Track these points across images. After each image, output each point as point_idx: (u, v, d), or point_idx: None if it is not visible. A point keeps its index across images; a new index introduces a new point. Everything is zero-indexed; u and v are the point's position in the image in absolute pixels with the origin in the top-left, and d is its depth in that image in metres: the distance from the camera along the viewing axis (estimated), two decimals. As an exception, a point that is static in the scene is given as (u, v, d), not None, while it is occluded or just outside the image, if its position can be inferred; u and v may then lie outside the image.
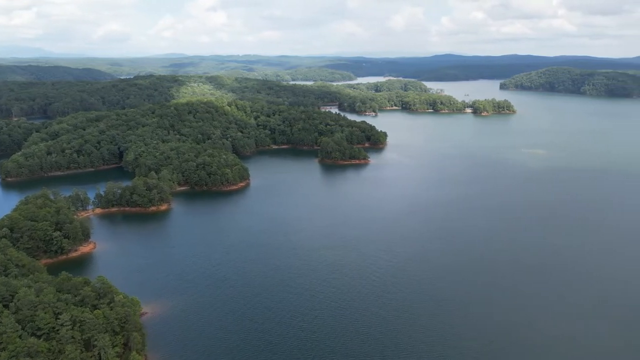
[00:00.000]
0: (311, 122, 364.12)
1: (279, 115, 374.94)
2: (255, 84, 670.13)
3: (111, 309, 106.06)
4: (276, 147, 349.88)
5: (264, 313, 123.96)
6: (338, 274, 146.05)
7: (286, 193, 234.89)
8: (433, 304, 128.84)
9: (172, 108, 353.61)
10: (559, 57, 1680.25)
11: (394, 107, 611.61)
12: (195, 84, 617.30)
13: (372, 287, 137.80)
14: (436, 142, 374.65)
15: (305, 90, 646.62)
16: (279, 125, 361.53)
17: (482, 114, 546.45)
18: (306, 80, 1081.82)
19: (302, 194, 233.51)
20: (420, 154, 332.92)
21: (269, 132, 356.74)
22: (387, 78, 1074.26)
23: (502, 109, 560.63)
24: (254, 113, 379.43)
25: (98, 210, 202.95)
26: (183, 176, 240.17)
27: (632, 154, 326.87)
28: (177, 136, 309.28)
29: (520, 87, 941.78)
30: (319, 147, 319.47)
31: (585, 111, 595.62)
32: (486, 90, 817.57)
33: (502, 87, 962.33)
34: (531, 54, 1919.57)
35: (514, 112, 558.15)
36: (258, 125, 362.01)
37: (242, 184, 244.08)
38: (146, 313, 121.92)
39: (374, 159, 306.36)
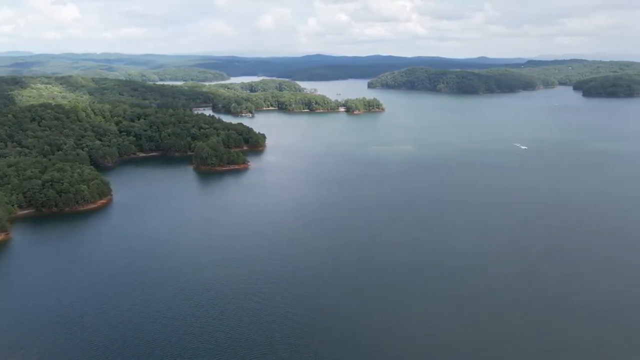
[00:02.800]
0: (183, 125, 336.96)
1: (145, 119, 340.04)
2: (116, 84, 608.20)
3: None
4: (144, 155, 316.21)
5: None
6: (221, 299, 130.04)
7: (158, 207, 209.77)
8: (330, 325, 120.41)
9: (9, 115, 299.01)
10: (415, 58, 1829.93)
11: (271, 108, 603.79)
12: (43, 86, 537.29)
13: (259, 311, 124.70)
14: (314, 141, 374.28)
15: (175, 91, 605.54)
16: (146, 130, 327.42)
17: (355, 112, 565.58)
18: (175, 80, 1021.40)
19: (176, 207, 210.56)
20: (300, 155, 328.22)
21: (134, 138, 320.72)
22: (261, 78, 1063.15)
23: (372, 107, 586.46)
24: (115, 118, 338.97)
25: None
26: (25, 197, 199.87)
27: (484, 145, 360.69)
28: (18, 149, 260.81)
29: (386, 85, 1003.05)
30: (193, 153, 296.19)
31: (442, 107, 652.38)
32: (356, 89, 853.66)
33: (370, 86, 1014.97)
34: (392, 55, 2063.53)
35: (383, 109, 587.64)
36: (120, 132, 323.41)
37: (102, 202, 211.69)
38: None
39: (254, 163, 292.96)
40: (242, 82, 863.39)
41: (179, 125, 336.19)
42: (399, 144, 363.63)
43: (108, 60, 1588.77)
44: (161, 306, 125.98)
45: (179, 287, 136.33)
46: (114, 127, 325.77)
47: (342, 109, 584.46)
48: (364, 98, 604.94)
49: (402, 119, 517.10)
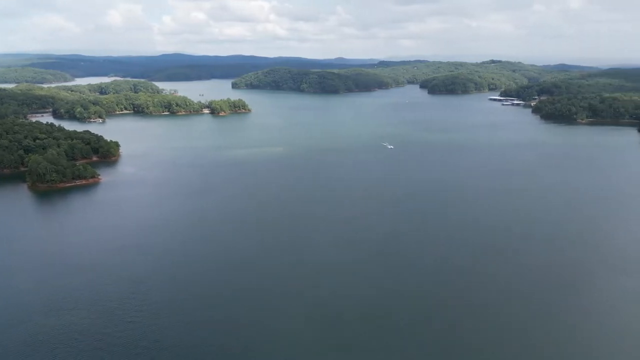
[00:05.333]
0: (12, 136, 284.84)
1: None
2: None
3: None
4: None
5: None
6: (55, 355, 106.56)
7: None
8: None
9: None
10: (277, 58, 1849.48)
11: (125, 111, 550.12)
12: None
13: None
14: (177, 147, 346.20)
15: (4, 95, 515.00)
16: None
17: (220, 114, 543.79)
18: (5, 82, 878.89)
19: (5, 238, 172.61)
20: (160, 163, 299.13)
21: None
22: (112, 78, 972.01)
23: (238, 108, 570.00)
24: None
25: None
26: None
27: (354, 145, 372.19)
28: None
29: (250, 86, 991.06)
30: (27, 169, 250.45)
31: (308, 107, 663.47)
32: (219, 89, 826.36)
33: (234, 86, 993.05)
34: (254, 55, 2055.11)
35: (249, 110, 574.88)
36: None
37: None
38: None
39: (105, 176, 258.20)
40: (90, 84, 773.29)
41: (8, 137, 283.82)
42: (268, 146, 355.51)
43: None
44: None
45: (16, 341, 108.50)
46: None
47: (206, 111, 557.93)
48: (229, 99, 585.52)
49: (269, 120, 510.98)
